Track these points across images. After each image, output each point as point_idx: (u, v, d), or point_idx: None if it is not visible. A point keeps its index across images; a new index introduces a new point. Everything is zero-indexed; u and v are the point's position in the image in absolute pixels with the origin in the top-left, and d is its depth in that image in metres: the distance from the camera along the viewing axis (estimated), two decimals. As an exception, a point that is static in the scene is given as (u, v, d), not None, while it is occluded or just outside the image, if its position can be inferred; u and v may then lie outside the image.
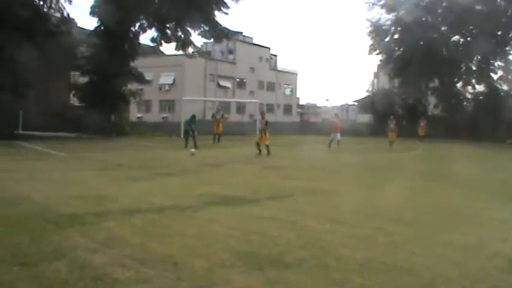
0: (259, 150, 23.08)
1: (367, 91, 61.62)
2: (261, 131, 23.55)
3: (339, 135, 29.82)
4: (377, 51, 54.28)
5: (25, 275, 5.81)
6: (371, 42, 53.84)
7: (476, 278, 6.12)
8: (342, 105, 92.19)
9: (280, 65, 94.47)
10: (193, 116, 28.37)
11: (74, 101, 40.39)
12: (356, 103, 71.28)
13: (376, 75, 66.02)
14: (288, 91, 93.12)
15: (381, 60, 56.46)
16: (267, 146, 23.09)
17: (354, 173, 18.90)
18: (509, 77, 49.18)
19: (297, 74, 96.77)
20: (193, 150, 21.29)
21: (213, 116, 35.97)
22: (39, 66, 32.83)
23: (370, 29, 52.99)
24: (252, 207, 10.54)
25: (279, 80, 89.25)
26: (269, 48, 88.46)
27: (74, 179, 14.11)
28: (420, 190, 13.95)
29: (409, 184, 15.08)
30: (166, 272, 6.01)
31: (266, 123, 24.05)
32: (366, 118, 57.79)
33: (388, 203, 11.48)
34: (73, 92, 39.44)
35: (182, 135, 29.05)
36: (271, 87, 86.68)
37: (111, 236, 7.66)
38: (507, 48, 48.44)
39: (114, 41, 35.43)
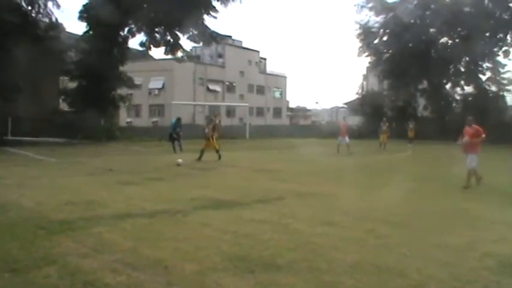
0: (200, 157, 22.25)
1: (357, 93, 61.69)
2: (208, 136, 22.81)
3: (347, 139, 29.68)
4: (366, 54, 54.53)
5: (16, 282, 5.79)
6: (360, 44, 54.08)
7: (467, 278, 6.15)
8: (332, 107, 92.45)
9: (270, 68, 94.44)
10: (179, 119, 27.72)
11: (64, 106, 40.27)
12: (346, 105, 71.42)
13: (365, 77, 66.30)
14: (277, 94, 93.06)
15: (370, 63, 56.64)
16: (217, 151, 22.56)
17: (345, 175, 18.93)
18: (498, 78, 49.46)
19: (286, 77, 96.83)
20: (180, 160, 20.26)
21: (211, 120, 34.78)
22: (28, 72, 32.70)
23: (359, 31, 53.26)
24: (243, 210, 10.55)
25: (269, 83, 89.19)
26: (258, 52, 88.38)
27: (64, 185, 14.06)
28: (411, 192, 13.97)
29: (400, 186, 15.13)
30: (157, 277, 6.01)
31: (214, 127, 23.29)
32: (355, 120, 57.93)
33: (379, 205, 11.51)
34: (62, 97, 39.31)
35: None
36: (260, 90, 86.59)
37: (102, 241, 7.64)
38: (495, 49, 48.67)
39: (103, 45, 35.32)
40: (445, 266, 6.62)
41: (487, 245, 7.77)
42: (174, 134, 26.86)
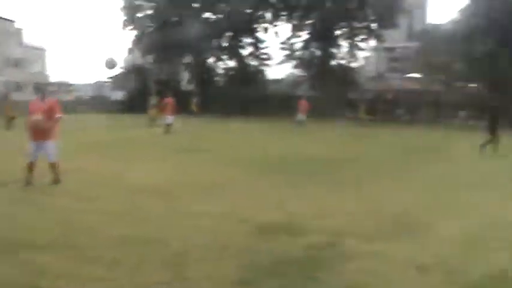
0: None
1: (121, 67, 60.77)
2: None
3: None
4: (131, 27, 53.87)
5: None
6: (125, 17, 53.29)
7: (223, 243, 6.50)
8: (96, 82, 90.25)
9: (28, 40, 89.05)
10: None
11: None
12: (111, 79, 70.16)
13: (130, 51, 65.54)
14: (36, 68, 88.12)
15: (135, 36, 56.07)
16: None
17: (116, 149, 18.24)
18: (257, 53, 52.12)
19: (45, 50, 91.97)
20: None
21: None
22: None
23: (123, 4, 52.52)
24: None
25: (27, 56, 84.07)
26: (14, 22, 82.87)
27: None
28: (179, 164, 14.18)
29: (165, 158, 15.21)
30: None
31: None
32: (120, 95, 57.36)
33: (142, 177, 11.54)
34: None
35: None
36: (18, 63, 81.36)
37: None
38: (255, 26, 51.07)
39: None
40: (207, 233, 6.87)
41: (243, 212, 8.19)
42: None
